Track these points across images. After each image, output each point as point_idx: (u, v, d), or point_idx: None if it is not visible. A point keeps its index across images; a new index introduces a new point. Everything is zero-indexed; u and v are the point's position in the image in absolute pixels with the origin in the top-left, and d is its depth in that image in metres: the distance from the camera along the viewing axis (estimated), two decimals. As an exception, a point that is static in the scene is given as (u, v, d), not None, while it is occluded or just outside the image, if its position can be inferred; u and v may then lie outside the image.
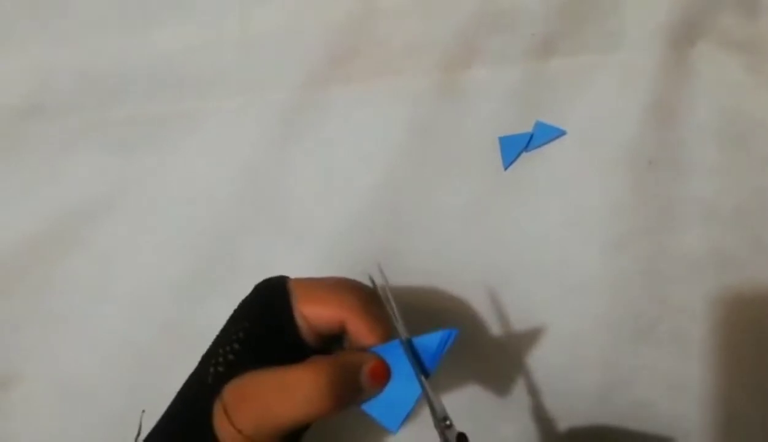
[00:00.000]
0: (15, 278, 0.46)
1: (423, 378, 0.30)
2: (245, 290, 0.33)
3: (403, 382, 0.30)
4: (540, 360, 0.42)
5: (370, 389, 0.30)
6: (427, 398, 0.30)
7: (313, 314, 0.31)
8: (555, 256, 0.43)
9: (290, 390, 0.28)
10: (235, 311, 0.33)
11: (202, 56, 0.44)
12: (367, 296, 0.32)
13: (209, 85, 0.45)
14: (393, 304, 0.31)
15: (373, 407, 0.30)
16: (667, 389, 0.41)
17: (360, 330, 0.31)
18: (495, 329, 0.44)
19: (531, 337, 0.43)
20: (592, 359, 0.43)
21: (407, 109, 0.44)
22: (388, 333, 0.31)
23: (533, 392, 0.41)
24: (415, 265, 0.42)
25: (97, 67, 0.44)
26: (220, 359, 0.30)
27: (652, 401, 0.41)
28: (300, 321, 0.31)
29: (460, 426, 0.30)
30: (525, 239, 0.44)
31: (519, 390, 0.41)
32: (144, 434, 0.31)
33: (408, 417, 0.30)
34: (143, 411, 0.41)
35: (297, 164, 0.45)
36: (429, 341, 0.31)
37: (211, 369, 0.30)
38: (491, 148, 0.45)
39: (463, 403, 0.39)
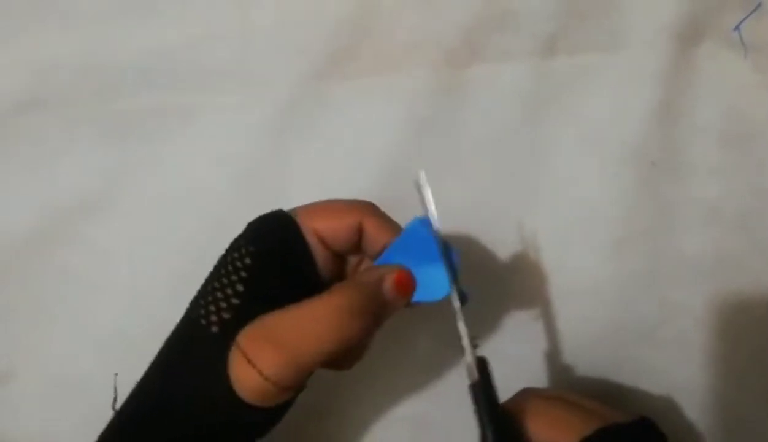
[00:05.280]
0: (9, 271, 0.45)
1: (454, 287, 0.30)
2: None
3: (431, 263, 0.30)
4: (541, 363, 0.42)
5: (396, 300, 0.29)
6: (457, 314, 0.30)
7: (326, 227, 0.30)
8: (556, 257, 0.43)
9: (314, 323, 0.26)
10: (230, 248, 0.30)
11: (200, 50, 0.44)
12: (372, 203, 0.32)
13: (208, 79, 0.44)
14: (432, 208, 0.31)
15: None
16: (669, 391, 0.40)
17: (380, 225, 0.31)
18: (494, 333, 0.44)
19: (531, 340, 0.43)
20: (594, 361, 0.42)
21: (408, 107, 0.44)
22: (401, 231, 0.31)
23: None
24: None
25: (94, 59, 0.44)
26: (223, 305, 0.28)
27: (654, 404, 0.40)
28: (312, 240, 0.30)
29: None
30: (525, 239, 0.43)
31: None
32: (121, 399, 0.29)
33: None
34: (116, 374, 0.39)
35: (295, 160, 0.44)
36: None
37: (214, 317, 0.28)
38: (492, 147, 0.44)
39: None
